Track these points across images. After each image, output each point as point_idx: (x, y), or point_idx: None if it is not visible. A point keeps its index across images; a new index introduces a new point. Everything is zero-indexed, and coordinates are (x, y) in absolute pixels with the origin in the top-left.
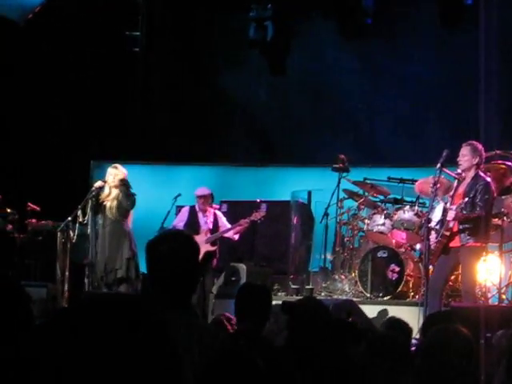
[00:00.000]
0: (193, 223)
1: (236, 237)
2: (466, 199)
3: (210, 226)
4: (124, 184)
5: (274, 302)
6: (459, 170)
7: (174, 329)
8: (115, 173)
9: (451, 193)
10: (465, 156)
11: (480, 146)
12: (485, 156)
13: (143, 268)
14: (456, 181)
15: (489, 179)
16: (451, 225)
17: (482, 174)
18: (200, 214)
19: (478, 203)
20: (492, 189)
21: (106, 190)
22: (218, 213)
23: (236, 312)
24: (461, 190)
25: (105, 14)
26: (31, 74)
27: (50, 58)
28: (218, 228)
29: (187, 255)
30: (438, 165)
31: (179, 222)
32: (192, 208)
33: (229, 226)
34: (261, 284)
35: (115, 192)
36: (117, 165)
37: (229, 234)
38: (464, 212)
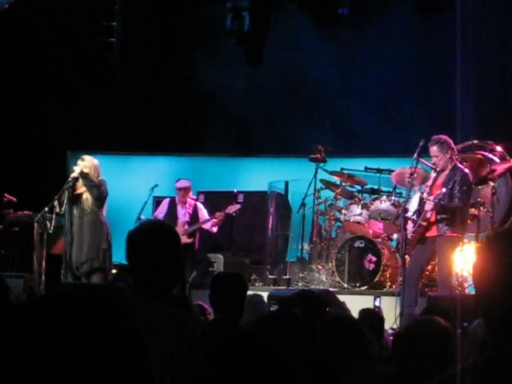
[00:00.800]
0: (171, 215)
1: (214, 229)
2: (444, 190)
3: (187, 219)
4: (83, 177)
5: (251, 292)
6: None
7: (151, 319)
8: (82, 165)
9: (429, 183)
10: (436, 156)
11: (444, 138)
12: (460, 146)
13: (116, 258)
14: (433, 171)
15: (467, 170)
16: (428, 215)
17: (460, 166)
18: (179, 207)
19: (456, 194)
20: (470, 180)
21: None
22: (199, 205)
23: (211, 302)
24: (439, 180)
25: (82, 4)
26: (6, 64)
27: (26, 48)
28: (198, 220)
29: (169, 246)
30: (415, 155)
31: (159, 213)
32: (172, 200)
33: (208, 217)
34: (235, 273)
35: None
36: (84, 156)
37: (207, 227)
38: (442, 202)
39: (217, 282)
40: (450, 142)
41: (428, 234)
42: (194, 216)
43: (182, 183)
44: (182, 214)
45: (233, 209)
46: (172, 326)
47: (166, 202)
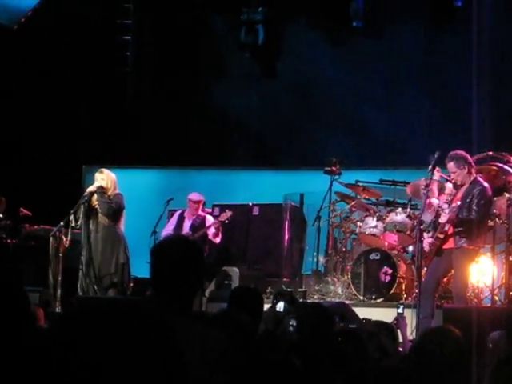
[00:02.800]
0: (178, 228)
1: (217, 240)
2: (460, 202)
3: (188, 230)
4: (99, 192)
5: (267, 306)
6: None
7: (179, 334)
8: (101, 178)
9: (447, 197)
10: (454, 172)
11: (460, 153)
12: (475, 157)
13: (134, 272)
14: (452, 185)
15: (486, 184)
16: (446, 228)
17: (479, 180)
18: (186, 219)
19: (474, 207)
20: (489, 194)
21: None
22: (208, 217)
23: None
24: (459, 195)
25: (96, 18)
26: (22, 79)
27: (42, 62)
28: (205, 228)
29: (192, 260)
30: (430, 167)
31: (170, 226)
32: (182, 212)
33: (214, 230)
34: (252, 287)
35: None
36: (103, 169)
37: (210, 237)
38: (460, 216)
39: (235, 296)
40: (467, 156)
41: (445, 247)
42: (199, 226)
43: (194, 196)
44: (188, 227)
45: (225, 216)
46: (195, 341)
47: (176, 215)
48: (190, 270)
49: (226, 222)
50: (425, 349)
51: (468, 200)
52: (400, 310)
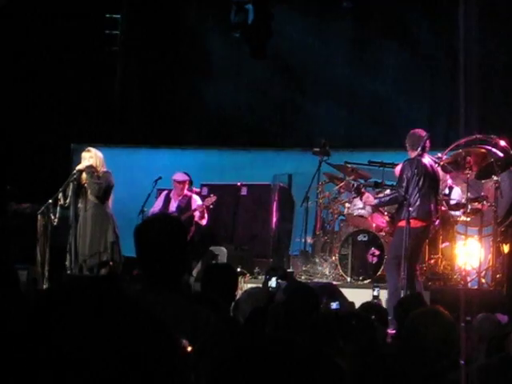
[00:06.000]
0: (164, 209)
1: (203, 222)
2: None
3: (174, 210)
4: (88, 171)
5: (254, 285)
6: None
7: (168, 310)
8: (89, 156)
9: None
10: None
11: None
12: (464, 140)
13: (123, 251)
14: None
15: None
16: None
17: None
18: (172, 200)
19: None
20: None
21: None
22: (195, 196)
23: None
24: None
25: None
26: (9, 58)
27: (29, 41)
28: (190, 211)
29: (176, 238)
30: (419, 149)
31: (156, 206)
32: (168, 193)
33: (199, 213)
34: (225, 263)
35: None
36: (90, 148)
37: (196, 219)
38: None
39: (207, 273)
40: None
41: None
42: (185, 208)
43: (179, 176)
44: (174, 207)
45: (209, 201)
46: (185, 318)
47: (163, 195)
48: (173, 247)
49: (211, 206)
50: (415, 330)
51: None
52: (375, 293)
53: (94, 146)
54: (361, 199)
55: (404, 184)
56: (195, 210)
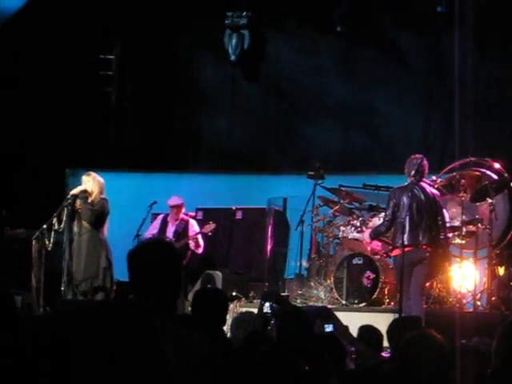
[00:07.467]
0: (161, 232)
1: (200, 250)
2: None
3: (171, 236)
4: (82, 197)
5: (249, 310)
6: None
7: (161, 337)
8: (87, 180)
9: None
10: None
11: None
12: (458, 163)
13: (117, 276)
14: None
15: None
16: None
17: None
18: (170, 224)
19: None
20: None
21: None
22: (192, 221)
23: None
24: None
25: (80, 24)
26: (5, 82)
27: (26, 65)
28: (186, 236)
29: (169, 262)
30: (412, 172)
31: (153, 229)
32: (165, 216)
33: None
34: (214, 287)
35: None
36: (90, 172)
37: (192, 247)
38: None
39: (198, 298)
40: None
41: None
42: (183, 233)
43: (174, 201)
44: (171, 232)
45: (208, 228)
46: (177, 343)
47: (159, 219)
48: (166, 271)
49: (210, 234)
50: (409, 354)
51: None
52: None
53: (88, 171)
54: None
55: (388, 212)
56: (189, 238)
